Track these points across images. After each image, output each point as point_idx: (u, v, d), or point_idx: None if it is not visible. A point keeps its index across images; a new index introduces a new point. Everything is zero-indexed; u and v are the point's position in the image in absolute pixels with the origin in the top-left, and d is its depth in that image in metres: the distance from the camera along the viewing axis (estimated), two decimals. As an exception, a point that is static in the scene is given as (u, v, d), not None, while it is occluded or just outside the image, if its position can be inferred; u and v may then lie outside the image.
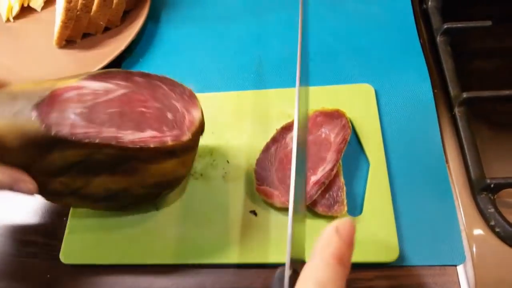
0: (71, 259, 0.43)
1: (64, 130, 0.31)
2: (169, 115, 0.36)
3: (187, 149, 0.36)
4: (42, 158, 0.33)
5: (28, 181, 0.35)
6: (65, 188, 0.37)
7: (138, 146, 0.33)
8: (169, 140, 0.34)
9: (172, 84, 0.38)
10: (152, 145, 0.33)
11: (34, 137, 0.31)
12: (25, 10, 0.63)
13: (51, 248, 0.45)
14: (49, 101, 0.32)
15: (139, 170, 0.35)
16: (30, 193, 0.35)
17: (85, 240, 0.44)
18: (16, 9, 0.62)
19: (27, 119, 0.31)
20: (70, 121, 0.32)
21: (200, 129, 0.37)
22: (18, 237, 0.47)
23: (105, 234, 0.44)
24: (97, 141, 0.32)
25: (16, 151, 0.33)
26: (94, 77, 0.35)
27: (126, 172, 0.35)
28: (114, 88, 0.35)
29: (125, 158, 0.34)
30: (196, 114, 0.37)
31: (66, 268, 0.44)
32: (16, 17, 0.63)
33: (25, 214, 0.48)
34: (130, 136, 0.33)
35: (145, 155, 0.34)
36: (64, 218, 0.46)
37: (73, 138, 0.31)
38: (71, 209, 0.46)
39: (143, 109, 0.35)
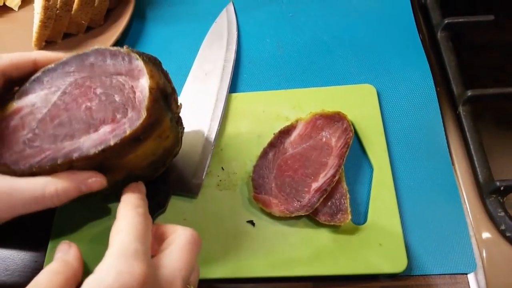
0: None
1: (21, 165, 0.31)
2: (117, 97, 0.32)
3: (151, 126, 0.32)
4: None
5: (94, 175, 0.33)
6: None
7: (100, 150, 0.31)
8: (127, 130, 0.31)
9: (103, 55, 0.34)
10: (112, 143, 0.31)
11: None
12: (1, 9, 0.59)
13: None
14: None
15: (122, 163, 0.33)
16: (102, 185, 0.33)
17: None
18: (-10, 8, 0.58)
19: None
20: (25, 153, 0.31)
21: (155, 96, 0.32)
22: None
23: (89, 246, 0.41)
24: (59, 162, 0.31)
25: None
26: (27, 91, 0.33)
27: (112, 169, 0.33)
28: (50, 93, 0.33)
29: (99, 162, 0.32)
30: (143, 82, 0.32)
31: None
32: (-9, 17, 0.59)
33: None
34: (88, 142, 0.31)
35: (113, 153, 0.31)
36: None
37: (33, 169, 0.31)
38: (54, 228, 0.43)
39: (88, 104, 0.33)
